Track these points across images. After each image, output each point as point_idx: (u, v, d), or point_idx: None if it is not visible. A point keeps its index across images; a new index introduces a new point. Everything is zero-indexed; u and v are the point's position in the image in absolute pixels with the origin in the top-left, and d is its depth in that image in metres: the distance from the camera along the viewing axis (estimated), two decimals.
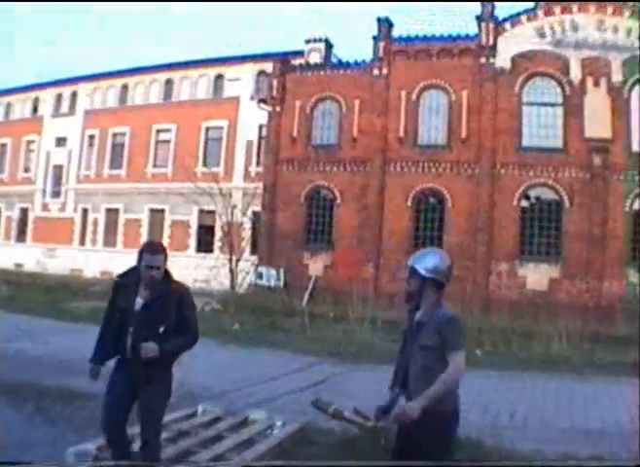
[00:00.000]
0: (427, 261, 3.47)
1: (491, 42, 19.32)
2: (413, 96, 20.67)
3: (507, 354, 11.64)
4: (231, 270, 19.22)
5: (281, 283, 21.25)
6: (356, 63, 22.26)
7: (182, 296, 4.13)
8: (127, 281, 4.11)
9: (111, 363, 4.29)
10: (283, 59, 24.02)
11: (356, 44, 49.31)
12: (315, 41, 24.55)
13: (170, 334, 4.02)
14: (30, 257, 31.97)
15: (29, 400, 6.66)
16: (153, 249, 4.12)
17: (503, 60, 19.21)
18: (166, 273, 4.10)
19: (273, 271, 21.24)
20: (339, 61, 23.86)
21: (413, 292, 3.51)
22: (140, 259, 4.02)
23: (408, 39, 21.10)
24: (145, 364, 3.90)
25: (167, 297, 4.03)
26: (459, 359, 3.31)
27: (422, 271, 3.43)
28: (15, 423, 5.51)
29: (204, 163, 26.38)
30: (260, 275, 21.46)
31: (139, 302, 4.05)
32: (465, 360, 3.39)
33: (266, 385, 8.36)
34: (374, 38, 21.63)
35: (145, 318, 3.98)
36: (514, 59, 19.08)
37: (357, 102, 21.60)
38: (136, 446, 4.36)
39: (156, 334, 3.97)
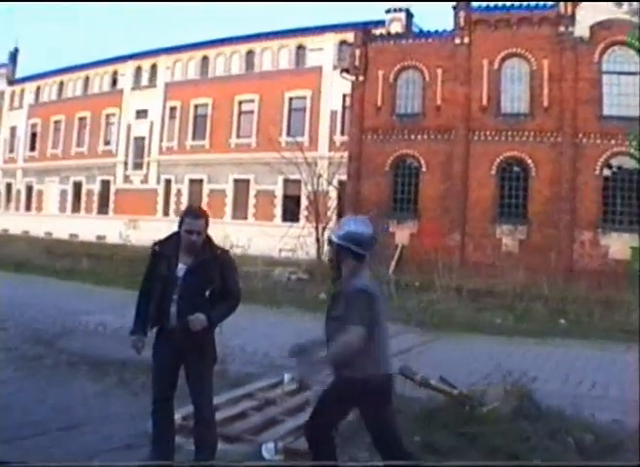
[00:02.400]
0: (343, 228, 3.81)
1: (570, 11, 22.43)
2: (495, 65, 23.90)
3: (589, 324, 12.71)
4: (318, 240, 22.81)
5: None
6: (437, 33, 25.55)
7: (224, 260, 4.49)
8: (167, 248, 4.45)
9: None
10: (365, 29, 27.66)
11: (436, 13, 52.62)
12: (396, 11, 28.09)
13: (215, 299, 4.41)
14: (112, 229, 37.05)
15: (111, 372, 7.36)
16: (194, 213, 4.47)
17: (582, 29, 22.26)
18: (208, 239, 4.46)
19: None
20: (420, 31, 27.36)
21: (331, 259, 3.95)
22: (181, 224, 4.38)
23: (488, 8, 24.29)
24: (191, 332, 4.22)
25: (210, 262, 4.38)
26: (351, 333, 3.53)
27: (334, 238, 3.80)
28: (97, 395, 5.92)
29: (288, 133, 30.67)
30: None
31: (182, 268, 4.36)
32: (359, 336, 3.57)
33: None
34: (454, 7, 24.93)
35: (189, 285, 4.31)
36: (592, 28, 22.17)
37: (439, 71, 24.90)
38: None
39: (201, 300, 4.34)
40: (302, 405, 6.10)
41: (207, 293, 4.41)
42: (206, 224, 4.43)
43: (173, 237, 4.48)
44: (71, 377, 6.91)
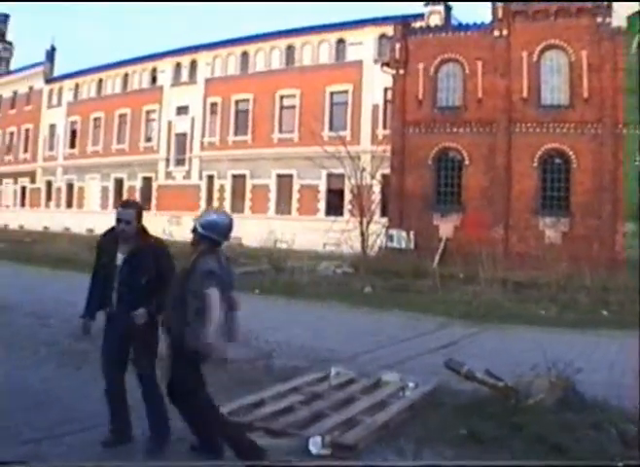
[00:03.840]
0: (205, 219, 4.95)
1: (606, 1, 24.26)
2: (534, 57, 25.82)
3: (632, 314, 12.78)
4: (362, 233, 24.83)
5: (412, 245, 26.70)
6: (476, 25, 27.51)
7: (158, 250, 5.16)
8: (109, 239, 5.15)
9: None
10: (404, 22, 29.79)
11: (474, 5, 54.83)
12: (434, 3, 30.15)
13: (153, 287, 5.04)
14: (155, 225, 39.78)
15: (156, 367, 8.04)
16: (123, 204, 5.23)
17: (619, 19, 24.16)
18: (142, 229, 5.14)
19: (404, 233, 26.95)
20: (459, 23, 29.35)
21: (193, 243, 4.96)
22: (116, 215, 5.08)
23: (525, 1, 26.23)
24: (132, 319, 4.99)
25: (144, 251, 5.04)
26: (211, 296, 4.69)
27: (198, 227, 4.90)
28: (140, 391, 6.21)
29: (331, 128, 33.01)
30: (390, 238, 27.17)
31: (120, 257, 5.07)
32: (217, 297, 4.71)
33: (397, 347, 10.00)
34: None
35: (127, 273, 5.00)
36: (629, 19, 24.00)
37: (479, 63, 26.90)
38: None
39: (138, 287, 5.01)
40: (348, 398, 6.52)
41: (144, 281, 5.04)
42: (137, 214, 5.14)
43: (114, 230, 5.17)
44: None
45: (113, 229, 5.18)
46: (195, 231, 4.92)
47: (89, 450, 5.15)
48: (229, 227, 4.99)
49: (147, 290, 5.04)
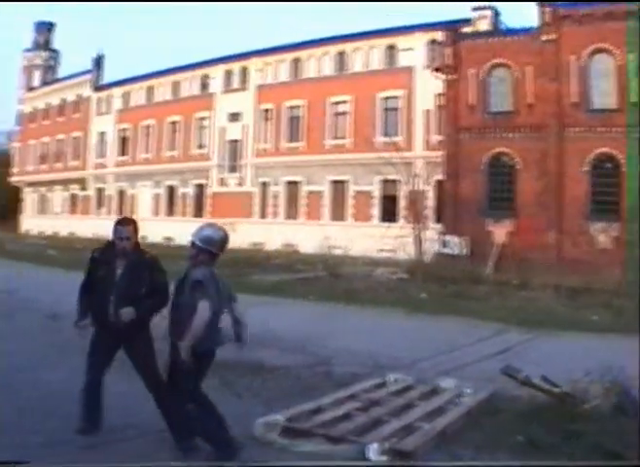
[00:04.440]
0: (202, 233, 5.69)
1: None
2: (582, 61, 28.40)
3: None
4: (417, 239, 27.46)
5: (466, 251, 29.16)
6: (524, 29, 30.21)
7: (152, 263, 6.02)
8: (105, 255, 6.03)
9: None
10: (454, 28, 32.77)
11: (521, 8, 58.30)
12: (482, 8, 33.05)
13: (147, 297, 5.92)
14: None
15: (214, 373, 8.03)
16: (122, 222, 6.08)
17: None
18: (137, 245, 6.02)
19: (458, 239, 29.57)
20: (508, 28, 32.13)
21: (192, 256, 5.70)
22: (114, 232, 5.91)
23: (573, 3, 28.69)
24: (126, 325, 5.80)
25: (140, 265, 5.92)
26: (202, 308, 5.44)
27: (196, 241, 5.66)
28: None
29: (384, 134, 36.21)
30: (444, 244, 29.83)
31: (118, 272, 5.90)
32: (208, 309, 5.44)
33: (454, 353, 10.61)
34: (540, 4, 29.31)
35: (124, 285, 5.83)
36: None
37: (529, 68, 29.48)
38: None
39: (134, 298, 5.85)
40: (407, 405, 7.01)
41: (142, 291, 5.89)
42: (134, 230, 5.98)
43: (110, 245, 6.03)
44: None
45: (109, 244, 6.09)
46: (193, 245, 5.67)
47: (154, 456, 5.65)
48: (225, 240, 5.72)
49: (140, 301, 5.91)
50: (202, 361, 5.68)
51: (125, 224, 6.09)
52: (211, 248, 5.64)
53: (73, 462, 5.29)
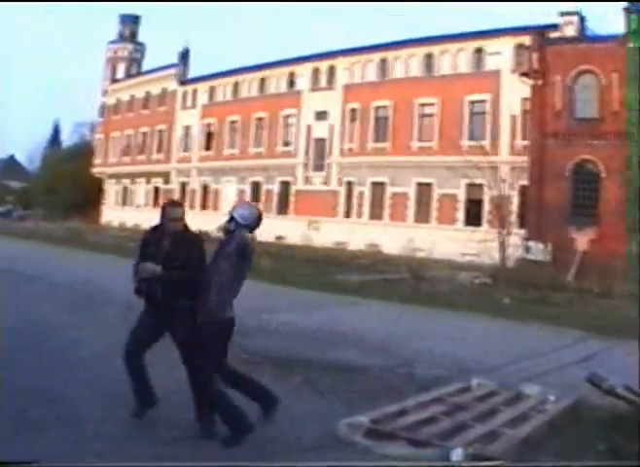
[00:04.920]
0: (241, 210, 6.39)
1: None
2: None
3: None
4: (501, 245, 29.51)
5: (548, 257, 31.37)
6: (611, 36, 32.32)
7: (198, 243, 6.78)
8: (154, 235, 6.74)
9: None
10: (541, 32, 35.33)
11: (607, 16, 60.68)
12: (569, 14, 35.57)
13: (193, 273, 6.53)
14: (291, 230, 47.12)
15: (296, 372, 8.71)
16: (176, 204, 7.03)
17: None
18: (186, 226, 6.74)
19: (541, 246, 32.04)
20: (594, 34, 34.48)
21: (227, 229, 6.34)
22: (164, 214, 6.63)
23: None
24: (172, 305, 6.45)
25: (188, 244, 6.63)
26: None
27: (238, 217, 6.29)
28: (282, 396, 6.80)
29: (470, 137, 39.14)
30: (528, 249, 32.21)
31: (166, 250, 6.57)
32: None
33: (536, 360, 10.93)
34: (627, 9, 31.53)
35: (170, 264, 6.46)
36: None
37: (615, 76, 31.72)
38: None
39: (180, 277, 6.47)
40: (491, 411, 7.28)
41: (191, 268, 6.46)
42: (184, 212, 6.77)
43: (158, 228, 6.72)
44: (255, 377, 7.54)
45: (156, 227, 6.81)
46: (232, 220, 6.32)
47: (226, 455, 5.85)
48: (260, 217, 6.43)
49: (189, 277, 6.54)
50: (224, 330, 6.26)
51: (178, 205, 6.94)
52: (249, 223, 6.34)
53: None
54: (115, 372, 7.05)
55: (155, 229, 6.85)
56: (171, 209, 6.75)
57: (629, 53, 30.18)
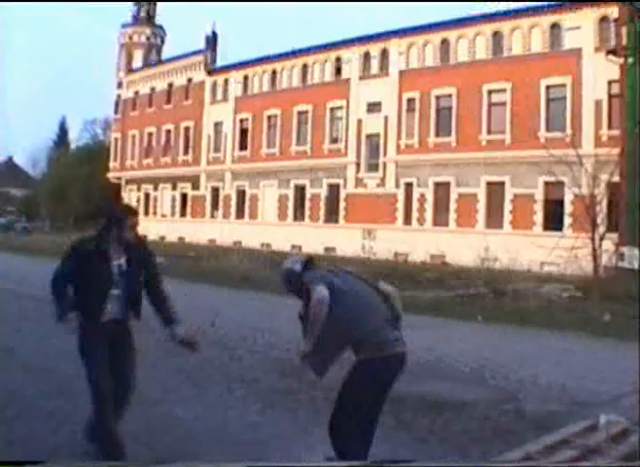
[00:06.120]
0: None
1: None
2: None
3: None
4: (594, 251, 29.24)
5: None
6: None
7: (151, 255, 7.24)
8: (100, 246, 6.85)
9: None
10: (630, 2, 36.21)
11: None
12: None
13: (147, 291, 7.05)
14: (343, 239, 48.57)
15: (384, 411, 8.07)
16: (134, 211, 7.23)
17: None
18: (138, 235, 7.11)
19: (636, 251, 32.63)
20: None
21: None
22: (119, 222, 6.82)
23: None
24: (120, 323, 6.93)
25: (143, 255, 7.04)
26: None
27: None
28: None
29: (547, 127, 40.37)
30: (621, 256, 32.98)
31: (120, 264, 6.88)
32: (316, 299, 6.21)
33: None
34: None
35: (126, 279, 6.84)
36: None
37: None
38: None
39: (138, 293, 6.98)
40: (629, 454, 6.93)
41: (141, 286, 6.97)
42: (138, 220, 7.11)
43: (103, 235, 6.93)
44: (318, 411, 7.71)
45: (101, 234, 6.96)
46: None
47: None
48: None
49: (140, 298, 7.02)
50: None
51: (136, 213, 7.17)
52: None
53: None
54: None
55: (96, 238, 6.99)
56: (125, 215, 6.98)
57: None
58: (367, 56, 50.78)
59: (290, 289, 6.78)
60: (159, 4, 73.43)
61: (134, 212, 7.19)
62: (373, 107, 49.92)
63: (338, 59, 52.61)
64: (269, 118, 57.25)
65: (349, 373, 6.43)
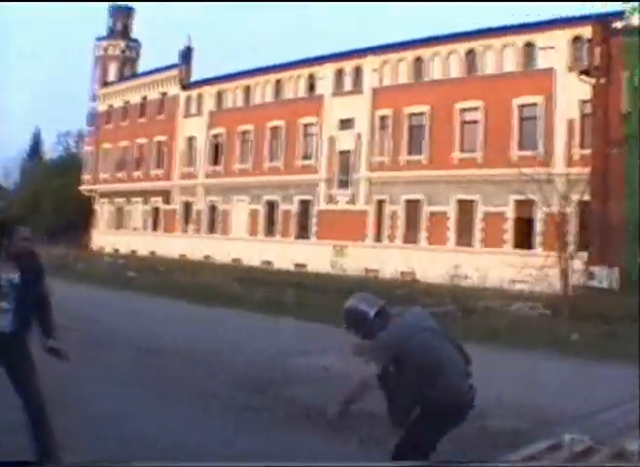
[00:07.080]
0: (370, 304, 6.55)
1: None
2: None
3: None
4: (564, 270, 28.62)
5: (615, 284, 31.55)
6: None
7: (40, 267, 7.12)
8: None
9: None
10: (603, 22, 35.99)
11: None
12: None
13: (35, 305, 6.94)
14: (314, 256, 47.86)
15: (351, 428, 8.53)
16: (21, 221, 7.43)
17: None
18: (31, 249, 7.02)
19: (606, 271, 32.47)
20: None
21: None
22: (11, 234, 6.72)
23: None
24: (13, 337, 6.72)
25: (34, 269, 6.92)
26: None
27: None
28: (334, 458, 7.13)
29: (520, 146, 39.89)
30: (590, 275, 32.51)
31: (13, 277, 6.70)
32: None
33: (630, 406, 10.57)
34: None
35: (23, 292, 6.67)
36: None
37: None
38: None
39: (29, 306, 6.80)
40: None
41: (34, 299, 6.87)
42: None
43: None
44: (293, 433, 7.69)
45: None
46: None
47: None
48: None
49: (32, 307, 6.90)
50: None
51: (27, 224, 7.23)
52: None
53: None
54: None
55: None
56: (18, 227, 6.97)
57: None
58: (340, 73, 50.44)
59: (355, 330, 6.60)
60: (134, 17, 72.92)
61: (25, 225, 7.12)
62: (346, 124, 49.49)
63: (312, 76, 52.27)
64: (243, 133, 56.78)
65: (421, 415, 6.37)
